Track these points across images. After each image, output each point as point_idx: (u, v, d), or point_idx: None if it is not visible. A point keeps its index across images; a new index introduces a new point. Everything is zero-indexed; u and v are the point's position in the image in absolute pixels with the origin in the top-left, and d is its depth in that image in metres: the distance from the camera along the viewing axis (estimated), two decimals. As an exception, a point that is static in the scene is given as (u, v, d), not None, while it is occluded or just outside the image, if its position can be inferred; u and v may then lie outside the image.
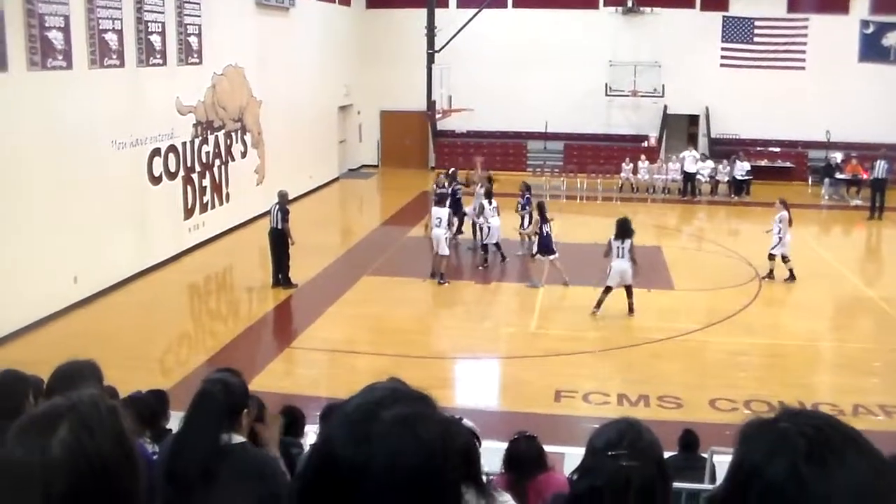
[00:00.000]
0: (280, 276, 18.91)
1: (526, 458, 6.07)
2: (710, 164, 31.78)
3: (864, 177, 30.55)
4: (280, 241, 18.84)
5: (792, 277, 19.54)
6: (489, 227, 20.55)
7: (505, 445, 6.33)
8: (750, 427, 1.74)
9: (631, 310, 17.25)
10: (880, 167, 27.53)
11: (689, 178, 30.76)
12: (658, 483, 2.76)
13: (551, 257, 19.11)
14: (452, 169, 24.79)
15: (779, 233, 19.57)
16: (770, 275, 19.75)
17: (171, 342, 16.05)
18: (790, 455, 1.62)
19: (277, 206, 19.03)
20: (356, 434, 1.67)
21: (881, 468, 1.63)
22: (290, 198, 26.92)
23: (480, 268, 20.78)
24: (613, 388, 13.60)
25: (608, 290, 17.07)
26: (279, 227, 18.84)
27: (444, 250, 19.40)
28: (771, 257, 19.74)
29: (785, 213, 19.65)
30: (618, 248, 16.93)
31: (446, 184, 22.47)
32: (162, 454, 4.34)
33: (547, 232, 19.10)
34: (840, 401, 12.76)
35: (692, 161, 31.03)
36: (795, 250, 19.91)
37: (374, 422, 1.68)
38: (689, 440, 9.29)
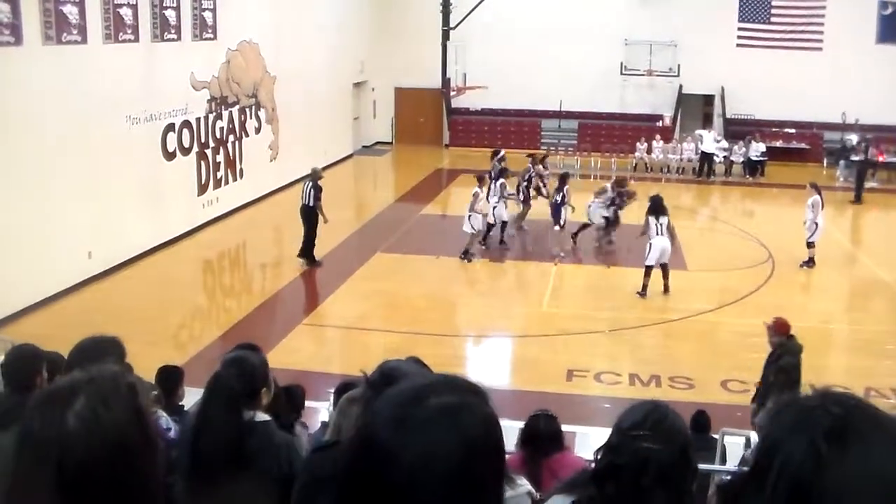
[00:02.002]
0: (307, 252, 18.77)
1: (543, 436, 6.07)
2: (724, 144, 31.63)
3: (881, 159, 30.44)
4: (310, 218, 18.74)
5: (811, 262, 19.36)
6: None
7: (516, 424, 6.33)
8: (779, 404, 1.71)
9: (666, 289, 17.22)
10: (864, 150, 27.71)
11: (705, 157, 30.59)
12: (679, 467, 2.76)
13: (555, 227, 19.45)
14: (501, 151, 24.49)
15: (815, 218, 19.26)
16: (810, 262, 19.39)
17: (185, 318, 16.12)
18: (811, 432, 1.57)
19: (311, 184, 18.88)
20: (397, 417, 1.65)
21: None
22: (304, 174, 27.08)
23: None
24: (625, 367, 13.61)
25: (649, 270, 17.02)
26: (311, 204, 18.70)
27: (466, 227, 19.28)
28: (810, 245, 19.32)
29: (818, 197, 19.40)
30: (656, 225, 16.94)
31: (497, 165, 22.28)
32: (184, 437, 4.35)
33: (557, 201, 19.34)
34: (852, 383, 12.69)
35: (711, 141, 30.81)
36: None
37: (418, 407, 1.65)
38: (701, 421, 9.31)
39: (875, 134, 31.09)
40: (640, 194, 20.45)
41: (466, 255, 19.28)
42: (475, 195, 19.31)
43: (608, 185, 21.00)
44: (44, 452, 1.78)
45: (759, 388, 10.90)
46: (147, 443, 1.88)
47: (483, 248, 20.20)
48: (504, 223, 20.77)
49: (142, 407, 1.90)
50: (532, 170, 22.31)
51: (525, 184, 21.83)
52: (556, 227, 20.15)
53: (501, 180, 20.61)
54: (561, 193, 20.16)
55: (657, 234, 16.93)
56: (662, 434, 2.75)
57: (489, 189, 20.41)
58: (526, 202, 21.85)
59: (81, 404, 1.80)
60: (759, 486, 1.61)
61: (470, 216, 19.24)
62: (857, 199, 27.04)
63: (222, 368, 4.20)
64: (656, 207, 17.22)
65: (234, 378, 4.12)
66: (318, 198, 18.75)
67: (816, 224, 19.21)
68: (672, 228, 17.22)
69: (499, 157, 22.26)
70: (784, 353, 10.45)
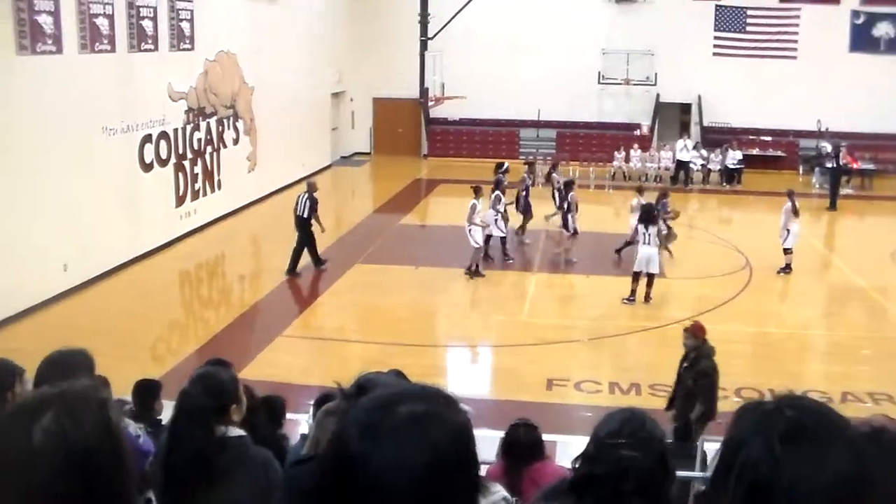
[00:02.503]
0: (295, 264, 19.01)
1: (524, 445, 6.08)
2: (702, 152, 31.83)
3: (855, 166, 30.71)
4: (305, 229, 19.08)
5: (788, 269, 19.48)
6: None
7: (496, 434, 6.34)
8: (741, 409, 1.79)
9: (647, 298, 17.30)
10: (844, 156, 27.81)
11: (681, 166, 30.80)
12: (658, 474, 2.76)
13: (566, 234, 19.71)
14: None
15: (785, 225, 19.49)
16: (787, 269, 19.49)
17: (163, 330, 16.02)
18: (768, 434, 1.65)
19: (306, 196, 19.23)
20: (367, 424, 1.67)
21: (861, 459, 1.64)
22: (282, 185, 27.07)
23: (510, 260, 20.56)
24: (605, 376, 13.63)
25: (637, 276, 17.18)
26: (305, 215, 19.03)
27: (472, 242, 18.91)
28: (786, 251, 19.48)
29: (789, 203, 19.61)
30: (644, 234, 17.11)
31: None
32: (158, 452, 4.31)
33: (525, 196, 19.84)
34: (829, 388, 12.80)
35: (685, 150, 31.03)
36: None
37: (387, 415, 1.67)
38: (684, 430, 9.35)
39: (850, 141, 31.36)
40: (624, 203, 20.52)
41: (472, 271, 18.86)
42: (472, 207, 18.90)
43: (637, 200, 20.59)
44: (9, 470, 1.75)
45: (674, 393, 10.95)
46: (118, 458, 1.86)
47: (490, 260, 20.07)
48: (502, 238, 20.41)
49: (112, 422, 1.88)
50: (528, 178, 22.36)
51: (524, 193, 21.78)
52: (567, 234, 20.10)
53: (497, 192, 20.30)
54: (566, 202, 20.15)
55: (644, 242, 17.09)
56: (640, 442, 2.75)
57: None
58: (527, 212, 21.82)
59: (49, 419, 1.78)
60: (723, 486, 1.69)
61: (470, 229, 18.85)
62: (832, 206, 27.19)
63: (190, 385, 4.16)
64: (647, 216, 17.38)
65: (201, 394, 4.08)
66: (313, 209, 19.07)
67: (788, 230, 19.37)
68: (660, 236, 17.44)
69: (503, 169, 22.21)
70: (700, 356, 10.52)
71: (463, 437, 1.71)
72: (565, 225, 20.15)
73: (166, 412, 7.19)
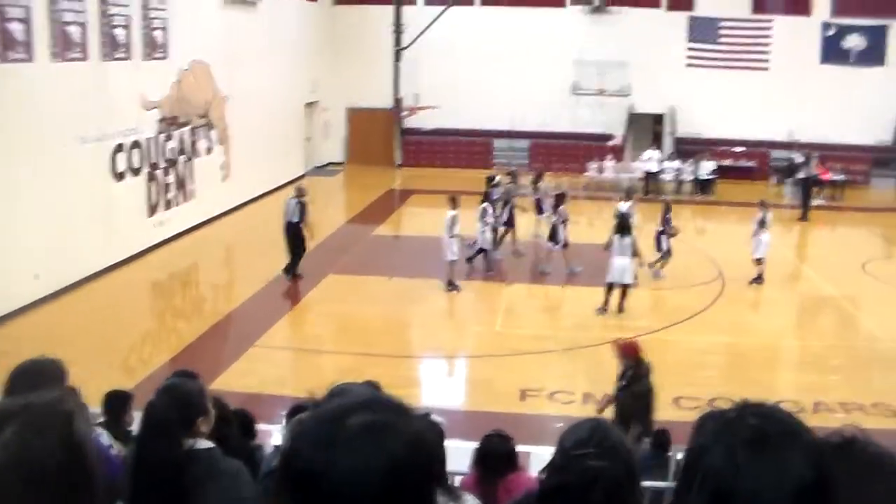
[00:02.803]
0: (292, 267, 19.14)
1: (497, 457, 6.08)
2: (674, 163, 32.00)
3: (826, 177, 30.95)
4: (297, 234, 19.10)
5: (760, 279, 19.62)
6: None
7: (470, 445, 6.32)
8: (704, 417, 1.81)
9: (621, 308, 17.36)
10: (812, 166, 27.90)
11: (649, 176, 30.94)
12: (625, 483, 2.77)
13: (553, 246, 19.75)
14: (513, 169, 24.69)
15: (756, 235, 19.63)
16: (759, 279, 19.63)
17: (135, 340, 15.92)
18: (730, 441, 1.68)
19: (296, 201, 19.18)
20: (319, 439, 1.65)
21: (822, 466, 1.66)
22: (256, 195, 27.00)
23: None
24: (579, 386, 13.64)
25: (610, 287, 17.23)
26: (294, 220, 19.02)
27: (450, 255, 18.73)
28: (758, 262, 19.61)
29: (760, 214, 19.77)
30: (618, 244, 17.18)
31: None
32: (126, 465, 4.27)
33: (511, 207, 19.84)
34: (801, 398, 12.85)
35: (655, 161, 31.16)
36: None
37: (340, 428, 1.65)
38: (662, 440, 9.36)
39: (821, 152, 31.63)
40: (599, 213, 20.58)
41: (451, 285, 18.72)
42: (452, 219, 18.65)
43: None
44: None
45: (604, 405, 11.01)
46: (83, 473, 1.84)
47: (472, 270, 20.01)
48: (485, 250, 20.23)
49: (79, 435, 1.85)
50: (514, 189, 22.47)
51: (509, 205, 21.78)
52: (553, 246, 20.04)
53: (485, 204, 20.23)
54: (557, 214, 20.16)
55: (619, 253, 17.17)
56: (607, 451, 2.75)
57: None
58: (509, 224, 21.80)
59: (11, 432, 1.76)
60: (687, 494, 1.72)
61: (452, 242, 18.64)
62: (804, 217, 27.37)
63: (156, 397, 4.11)
64: (622, 226, 17.48)
65: (168, 406, 4.03)
66: (304, 214, 19.11)
67: (760, 241, 19.50)
68: (635, 246, 17.49)
69: (493, 182, 22.44)
70: (637, 376, 10.48)
71: (420, 446, 1.69)
72: (553, 237, 20.11)
73: (137, 423, 7.15)
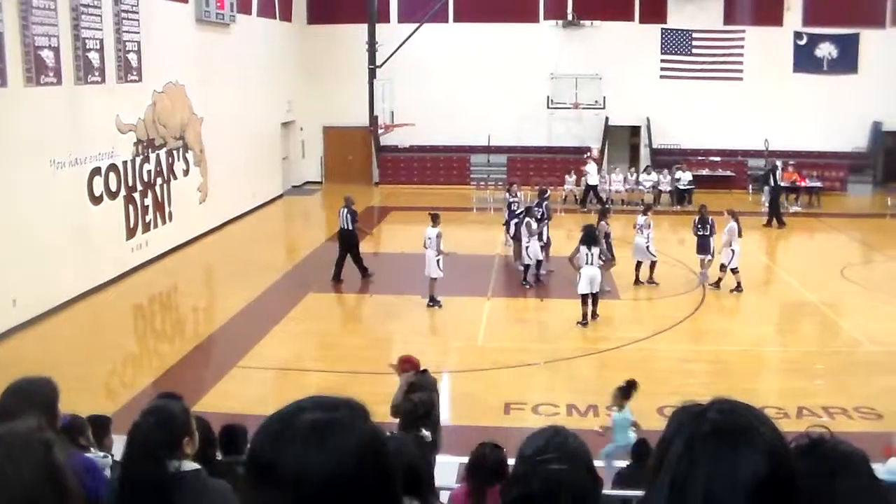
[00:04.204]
0: (339, 272, 20.60)
1: (490, 465, 6.08)
2: (653, 175, 32.13)
3: (802, 184, 31.17)
4: (347, 240, 20.64)
5: (739, 288, 19.71)
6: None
7: (455, 459, 6.32)
8: (676, 410, 1.86)
9: (594, 316, 17.48)
10: (780, 175, 27.97)
11: (589, 189, 31.02)
12: (589, 486, 2.78)
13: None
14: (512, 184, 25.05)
15: (730, 245, 19.71)
16: (717, 284, 19.93)
17: (116, 364, 15.81)
18: (689, 433, 1.72)
19: (346, 210, 20.66)
20: (271, 434, 1.70)
21: (778, 463, 1.68)
22: (234, 215, 26.99)
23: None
24: (562, 398, 13.63)
25: (585, 298, 17.34)
26: (349, 227, 20.59)
27: (435, 272, 18.69)
28: (723, 268, 19.83)
29: (734, 224, 19.82)
30: (587, 254, 17.32)
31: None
32: (112, 489, 4.23)
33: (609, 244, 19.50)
34: (785, 404, 12.92)
35: (592, 174, 31.19)
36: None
37: (288, 426, 1.70)
38: (642, 451, 9.35)
39: (797, 159, 31.93)
40: (572, 224, 20.62)
41: (433, 301, 18.66)
42: (438, 236, 18.59)
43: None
44: None
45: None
46: (63, 500, 1.81)
47: (527, 286, 20.01)
48: (531, 263, 20.17)
49: (57, 463, 1.83)
50: (515, 204, 22.81)
51: (515, 220, 21.83)
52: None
53: (528, 219, 20.19)
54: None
55: (587, 262, 17.28)
56: (568, 455, 2.76)
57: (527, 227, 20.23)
58: (516, 239, 21.74)
59: None
60: (654, 483, 1.77)
61: (438, 260, 18.59)
62: (776, 223, 27.46)
63: (140, 419, 4.08)
64: (589, 238, 17.54)
65: (152, 428, 4.00)
66: (355, 220, 20.68)
67: (733, 250, 19.62)
68: (603, 255, 17.83)
69: (546, 195, 22.88)
70: (417, 388, 10.29)
71: (371, 446, 1.72)
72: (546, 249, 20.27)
73: (118, 447, 7.09)
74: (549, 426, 2.96)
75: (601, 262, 17.79)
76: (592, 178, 31.18)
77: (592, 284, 17.22)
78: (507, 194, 24.37)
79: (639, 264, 20.40)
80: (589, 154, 32.95)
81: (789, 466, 1.74)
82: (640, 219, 20.72)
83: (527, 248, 20.00)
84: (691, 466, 1.69)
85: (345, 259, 20.66)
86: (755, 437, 1.72)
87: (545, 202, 22.63)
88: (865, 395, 13.54)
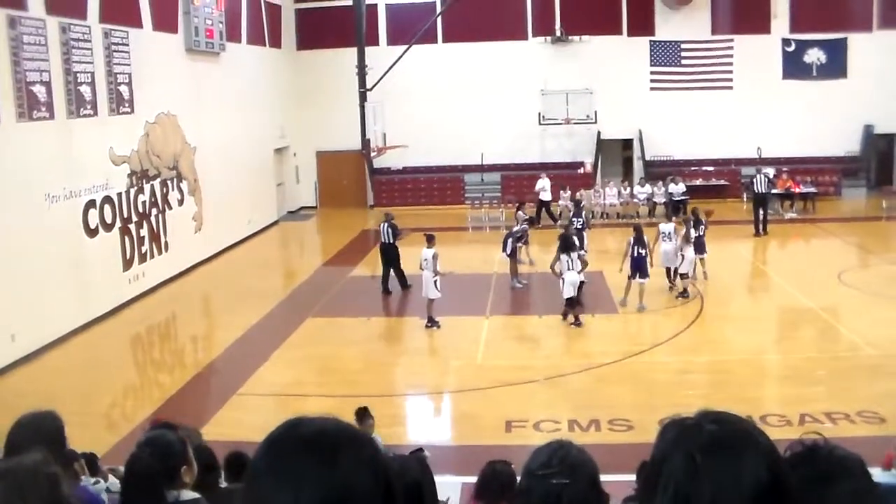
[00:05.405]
0: (387, 285, 21.69)
1: (499, 483, 6.06)
2: (646, 187, 32.21)
3: (797, 190, 31.23)
4: (388, 254, 21.62)
5: (685, 294, 20.08)
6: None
7: (457, 480, 6.30)
8: (665, 426, 1.87)
9: (577, 320, 18.18)
10: (761, 181, 27.86)
11: (542, 204, 30.88)
12: (591, 499, 2.79)
13: (642, 280, 19.41)
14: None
15: (679, 250, 20.25)
16: (685, 293, 20.23)
17: (116, 396, 15.78)
18: (688, 447, 1.73)
19: (387, 224, 21.74)
20: (268, 442, 1.72)
21: (776, 467, 1.69)
22: (230, 243, 27.02)
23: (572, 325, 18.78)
24: (564, 414, 13.60)
25: (571, 301, 18.06)
26: (390, 241, 21.56)
27: (433, 293, 18.65)
28: (682, 276, 20.31)
29: (683, 229, 20.43)
30: (566, 261, 18.00)
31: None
32: None
33: (640, 254, 19.41)
34: (787, 411, 12.90)
35: (547, 192, 31.19)
36: (734, 264, 20.18)
37: (287, 442, 1.70)
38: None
39: (791, 166, 32.05)
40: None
41: (431, 322, 18.58)
42: (435, 257, 18.60)
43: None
44: None
45: None
46: None
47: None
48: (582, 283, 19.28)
49: (62, 496, 1.85)
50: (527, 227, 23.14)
51: (512, 238, 21.88)
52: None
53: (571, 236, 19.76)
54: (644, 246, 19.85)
55: (568, 268, 17.99)
56: (570, 469, 2.78)
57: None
58: (512, 256, 21.81)
59: None
60: (650, 499, 1.77)
61: (436, 280, 18.54)
62: (760, 231, 27.39)
63: (137, 449, 4.09)
64: (566, 244, 18.36)
65: (149, 458, 4.01)
66: (396, 235, 21.61)
67: (683, 255, 20.09)
68: (582, 259, 18.53)
69: (581, 205, 24.04)
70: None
71: (377, 467, 1.71)
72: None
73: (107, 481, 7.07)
74: (554, 440, 2.98)
75: (581, 267, 18.39)
76: (545, 194, 31.10)
77: (575, 288, 17.94)
78: (521, 213, 24.64)
79: (668, 270, 20.73)
80: (584, 170, 33.05)
81: (786, 470, 1.76)
82: (667, 226, 21.01)
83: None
84: (694, 480, 1.69)
85: (389, 272, 21.60)
86: (754, 445, 1.74)
87: (582, 211, 23.54)
88: (867, 399, 13.50)
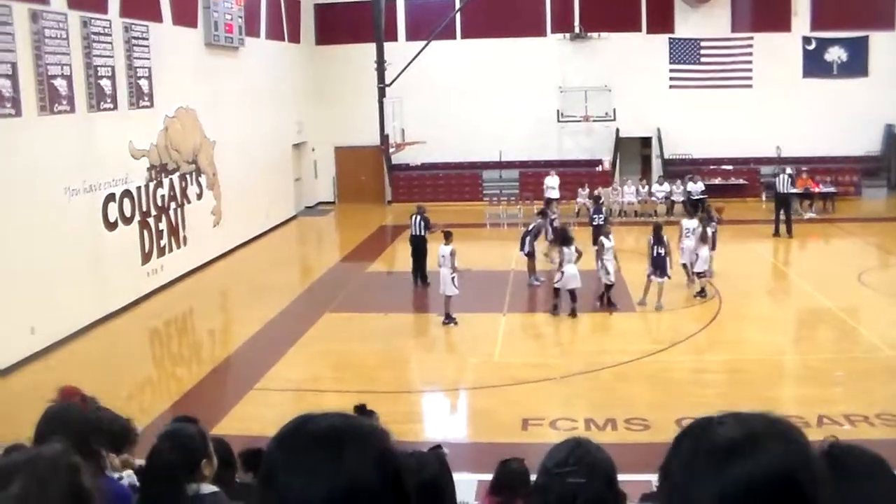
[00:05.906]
0: (419, 276, 21.76)
1: (514, 479, 6.07)
2: (665, 185, 32.08)
3: (816, 189, 31.06)
4: (418, 246, 21.71)
5: (703, 293, 20.05)
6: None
7: (473, 477, 6.30)
8: (683, 430, 1.82)
9: (573, 313, 18.64)
10: (783, 181, 27.61)
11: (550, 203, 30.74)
12: (607, 498, 2.79)
13: (661, 279, 19.43)
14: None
15: (695, 249, 20.28)
16: (702, 293, 20.16)
17: (134, 389, 15.83)
18: (695, 448, 1.71)
19: (419, 217, 21.97)
20: (280, 437, 1.71)
21: (785, 474, 1.65)
22: (248, 238, 27.08)
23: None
24: (580, 413, 13.58)
25: (557, 291, 18.89)
26: (421, 234, 21.77)
27: (450, 290, 18.60)
28: (698, 275, 20.28)
29: (699, 229, 20.46)
30: (567, 253, 18.54)
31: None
32: None
33: (659, 253, 19.41)
34: (805, 412, 12.81)
35: (556, 189, 31.36)
36: (753, 263, 20.07)
37: (299, 432, 1.71)
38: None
39: (811, 165, 31.86)
40: (586, 237, 20.68)
41: (448, 319, 18.59)
42: (452, 254, 18.55)
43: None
44: None
45: None
46: None
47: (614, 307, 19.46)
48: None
49: (83, 487, 1.85)
50: (543, 222, 23.24)
51: (530, 237, 21.84)
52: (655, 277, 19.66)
53: (601, 238, 19.70)
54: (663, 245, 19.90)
55: (568, 261, 18.46)
56: (586, 468, 2.77)
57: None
58: (531, 256, 21.75)
59: (17, 487, 1.76)
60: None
61: (453, 277, 18.50)
62: (778, 233, 27.07)
63: (158, 443, 4.10)
64: (564, 238, 18.97)
65: (170, 451, 4.02)
66: (428, 228, 21.75)
67: (697, 254, 20.06)
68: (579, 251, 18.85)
69: (600, 202, 24.53)
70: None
71: (390, 461, 1.71)
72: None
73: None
74: (572, 438, 2.98)
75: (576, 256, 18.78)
76: (553, 192, 31.04)
77: (574, 280, 18.48)
78: (550, 211, 24.84)
79: (685, 266, 20.88)
80: (603, 168, 32.98)
81: (797, 476, 1.68)
82: (691, 223, 21.23)
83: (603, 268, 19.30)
84: (700, 479, 1.66)
85: (422, 264, 21.69)
86: (758, 447, 1.69)
87: (602, 207, 23.89)
88: (886, 401, 13.40)
